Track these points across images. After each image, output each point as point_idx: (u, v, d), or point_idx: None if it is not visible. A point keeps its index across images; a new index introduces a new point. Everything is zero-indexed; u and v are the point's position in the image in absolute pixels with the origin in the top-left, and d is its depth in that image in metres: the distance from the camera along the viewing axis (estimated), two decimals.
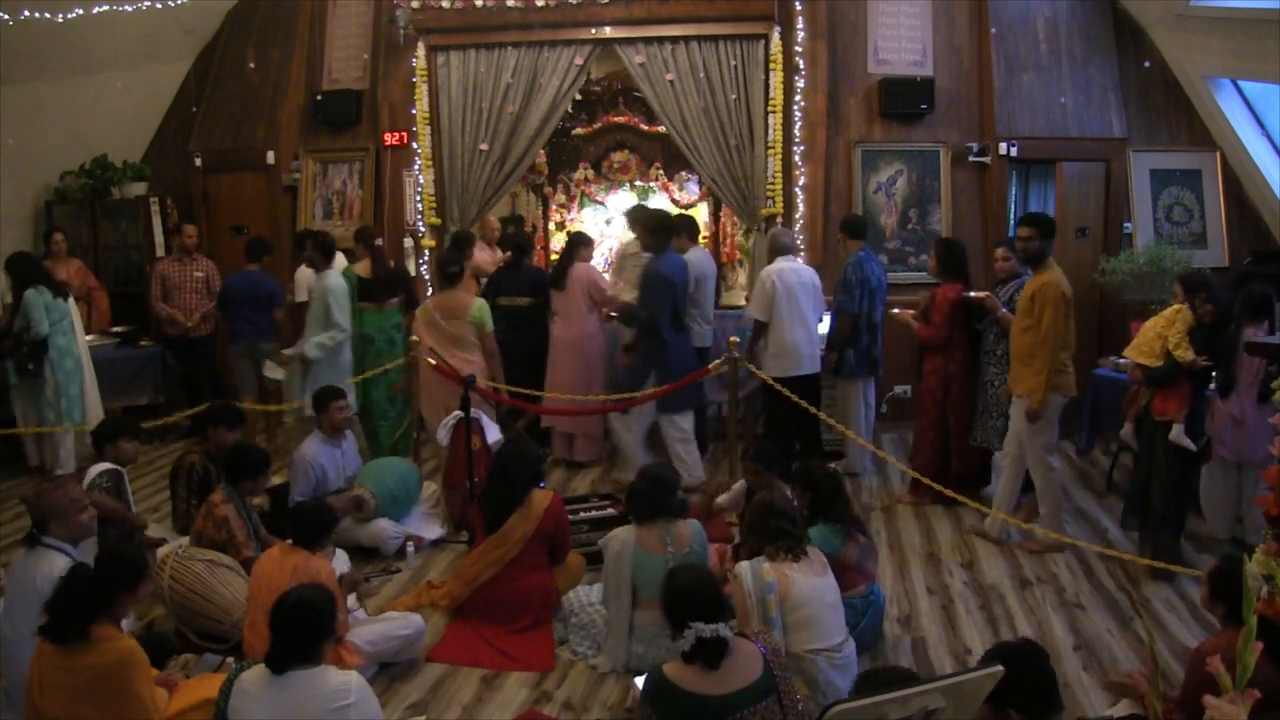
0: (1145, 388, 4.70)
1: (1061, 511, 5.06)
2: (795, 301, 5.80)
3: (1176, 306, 4.66)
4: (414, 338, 5.87)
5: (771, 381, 5.60)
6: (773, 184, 6.80)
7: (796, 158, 6.92)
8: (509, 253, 6.71)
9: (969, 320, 5.50)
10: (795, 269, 5.91)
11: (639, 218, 6.45)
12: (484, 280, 6.79)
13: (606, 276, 6.99)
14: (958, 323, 5.44)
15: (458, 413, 5.26)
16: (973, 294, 5.48)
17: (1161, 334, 4.59)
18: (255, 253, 6.77)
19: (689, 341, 6.05)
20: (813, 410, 5.68)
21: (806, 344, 5.88)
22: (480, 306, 5.89)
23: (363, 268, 6.44)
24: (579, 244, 6.51)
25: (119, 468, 4.48)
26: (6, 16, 5.95)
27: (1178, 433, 4.52)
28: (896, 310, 5.80)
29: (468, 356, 5.79)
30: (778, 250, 5.97)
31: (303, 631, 2.73)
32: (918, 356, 5.71)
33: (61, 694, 2.87)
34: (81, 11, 6.32)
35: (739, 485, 4.66)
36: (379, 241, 6.86)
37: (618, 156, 7.58)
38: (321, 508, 3.94)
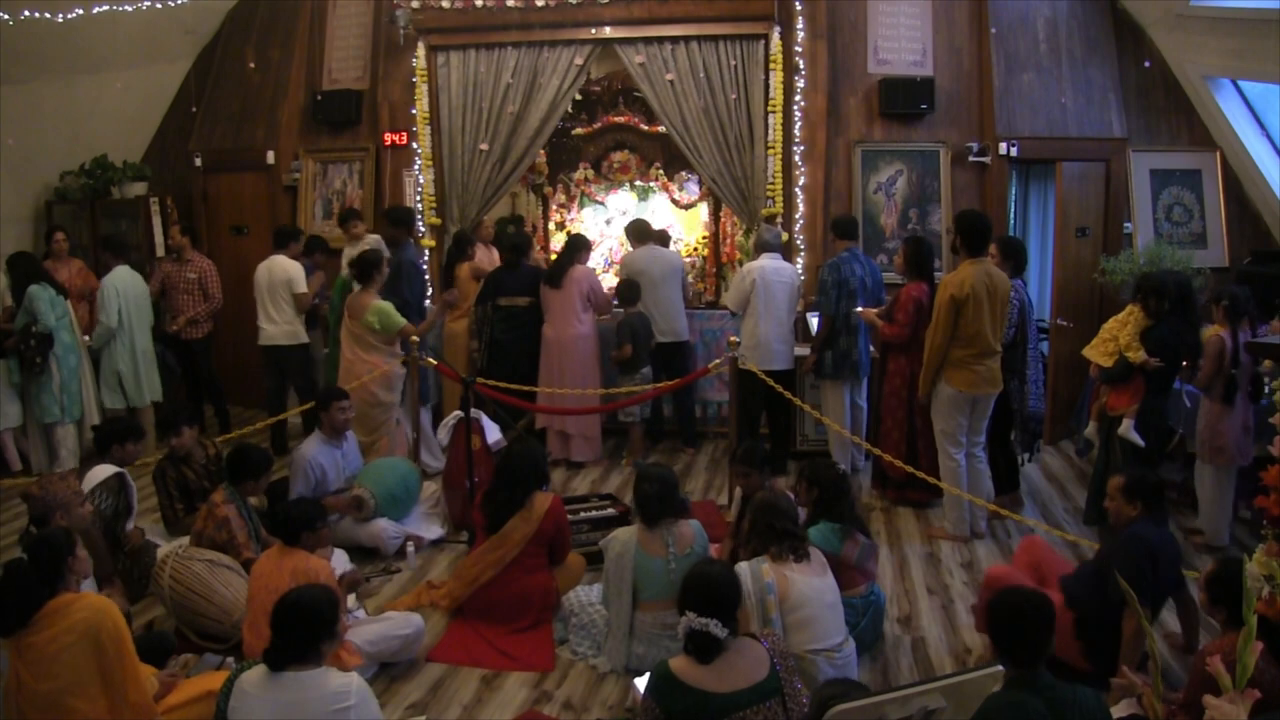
0: (1102, 385, 4.77)
1: (964, 504, 5.07)
2: (771, 297, 5.98)
3: (1130, 308, 4.72)
4: (414, 339, 5.86)
5: (758, 371, 5.71)
6: (773, 184, 6.80)
7: (796, 158, 6.92)
8: (506, 252, 6.72)
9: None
10: (776, 267, 6.09)
11: (387, 214, 6.79)
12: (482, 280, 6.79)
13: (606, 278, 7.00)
14: (922, 322, 5.38)
15: (458, 413, 5.25)
16: (859, 309, 5.72)
17: (1115, 334, 4.67)
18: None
19: (434, 330, 6.51)
20: (796, 403, 5.79)
21: (779, 340, 6.02)
22: (377, 309, 5.67)
23: None
24: (578, 247, 6.51)
25: (121, 470, 4.48)
26: (6, 16, 5.95)
27: (1127, 427, 4.60)
28: (860, 308, 5.78)
29: (366, 357, 5.72)
30: (762, 247, 6.19)
31: (303, 631, 2.73)
32: (882, 356, 5.72)
33: (40, 692, 2.83)
34: (81, 11, 6.32)
35: (736, 495, 4.66)
36: None
37: (618, 156, 7.58)
38: (301, 503, 3.93)
